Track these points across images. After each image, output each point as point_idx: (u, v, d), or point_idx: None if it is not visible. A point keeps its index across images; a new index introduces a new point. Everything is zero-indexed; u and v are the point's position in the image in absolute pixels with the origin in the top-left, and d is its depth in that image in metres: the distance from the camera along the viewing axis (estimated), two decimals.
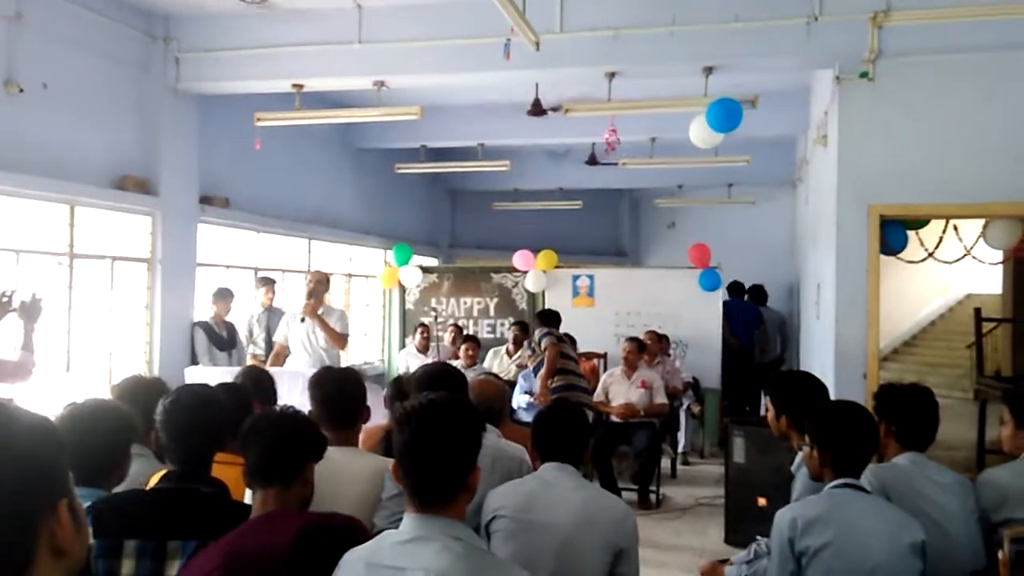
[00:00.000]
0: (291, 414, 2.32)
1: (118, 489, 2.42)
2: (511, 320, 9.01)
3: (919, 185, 5.24)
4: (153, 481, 2.44)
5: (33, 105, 5.44)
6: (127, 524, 2.15)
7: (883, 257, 5.44)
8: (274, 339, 6.59)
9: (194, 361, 6.66)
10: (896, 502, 2.65)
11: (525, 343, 8.26)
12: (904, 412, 2.91)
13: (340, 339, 6.21)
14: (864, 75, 5.25)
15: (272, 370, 5.51)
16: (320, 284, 6.25)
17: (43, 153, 5.54)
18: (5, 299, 4.12)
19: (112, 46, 6.13)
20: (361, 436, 3.10)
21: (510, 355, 8.17)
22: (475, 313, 9.68)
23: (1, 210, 5.41)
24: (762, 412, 8.60)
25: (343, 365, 6.38)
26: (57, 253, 5.83)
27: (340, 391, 2.87)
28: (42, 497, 1.00)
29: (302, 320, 6.11)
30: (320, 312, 6.11)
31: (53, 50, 5.64)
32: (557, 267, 9.30)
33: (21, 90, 5.30)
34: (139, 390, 2.96)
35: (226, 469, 2.47)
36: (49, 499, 1.00)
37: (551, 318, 6.89)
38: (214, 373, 5.67)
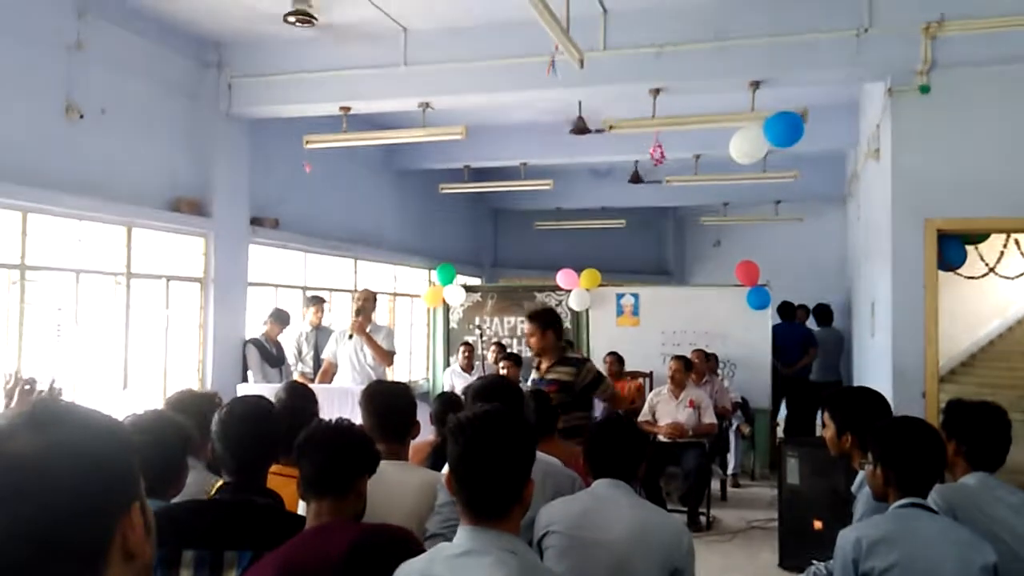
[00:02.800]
0: (346, 427, 2.32)
1: (175, 500, 2.44)
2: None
3: (978, 198, 5.11)
4: (212, 492, 2.47)
5: (92, 130, 5.60)
6: (185, 534, 2.16)
7: (940, 273, 5.30)
8: (322, 356, 6.65)
9: (245, 377, 6.76)
10: (964, 523, 2.54)
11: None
12: (975, 430, 2.79)
13: (387, 356, 6.25)
14: (924, 89, 5.14)
15: (321, 387, 5.58)
16: (368, 302, 6.31)
17: (101, 176, 5.70)
18: (27, 387, 4.17)
19: (167, 73, 6.31)
20: (409, 452, 3.09)
21: None
22: (519, 332, 9.65)
23: (62, 231, 5.56)
24: (818, 431, 8.41)
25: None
26: (115, 273, 5.97)
27: (391, 405, 2.89)
28: (117, 500, 1.00)
29: (350, 337, 6.17)
30: (368, 330, 6.16)
31: (111, 77, 5.82)
32: (601, 285, 9.25)
33: (81, 116, 5.47)
34: (192, 403, 3.00)
35: (280, 481, 2.47)
36: (124, 502, 1.01)
37: (556, 321, 4.90)
38: (265, 389, 5.73)
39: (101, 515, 0.98)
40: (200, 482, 2.63)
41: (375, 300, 6.57)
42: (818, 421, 9.33)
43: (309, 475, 2.20)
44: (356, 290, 9.30)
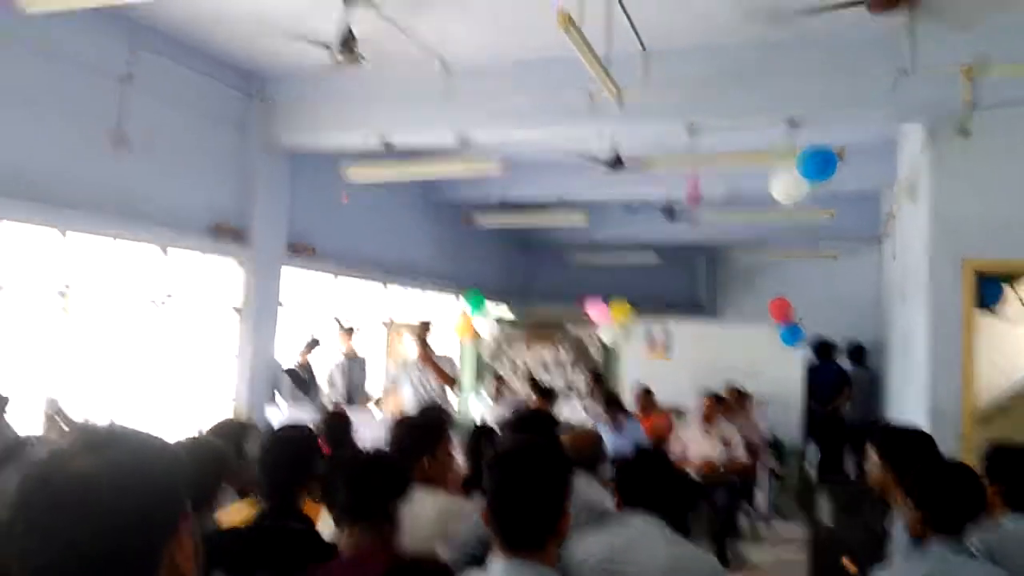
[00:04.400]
0: (379, 454, 2.35)
1: None
2: (586, 371, 8.95)
3: (1016, 239, 5.05)
4: (233, 515, 2.49)
5: (139, 158, 5.76)
6: (219, 557, 2.19)
7: (978, 318, 5.23)
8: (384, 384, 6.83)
9: (275, 403, 6.83)
10: (1004, 567, 2.50)
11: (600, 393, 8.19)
12: (1016, 473, 2.76)
13: (452, 381, 6.55)
14: (964, 132, 5.12)
15: (359, 416, 5.66)
16: (427, 331, 6.51)
17: (145, 202, 5.86)
18: (58, 417, 4.26)
19: (211, 103, 6.49)
20: None
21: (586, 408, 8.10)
22: (550, 363, 9.65)
23: (103, 255, 5.70)
24: (850, 471, 8.24)
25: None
26: (153, 297, 6.09)
27: (397, 437, 2.89)
28: (170, 519, 1.03)
29: (419, 369, 6.37)
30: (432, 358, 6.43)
31: (158, 108, 6.00)
32: (632, 319, 9.20)
33: (128, 145, 5.62)
34: (229, 429, 3.05)
35: (317, 508, 2.51)
36: (174, 521, 1.04)
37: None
38: (295, 417, 5.80)
39: (156, 534, 1.01)
40: (225, 506, 2.66)
41: (431, 329, 6.78)
42: (847, 460, 9.22)
43: (343, 502, 2.22)
44: (390, 320, 9.39)
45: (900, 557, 2.67)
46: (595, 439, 3.45)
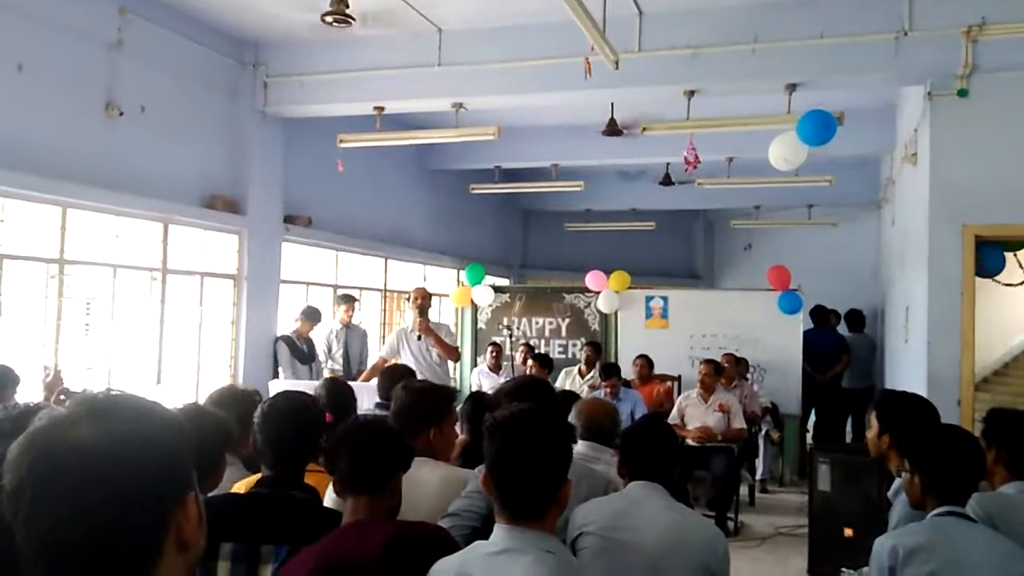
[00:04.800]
0: (380, 424, 2.34)
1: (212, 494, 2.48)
2: (583, 340, 8.96)
3: (1017, 204, 5.03)
4: (239, 487, 2.49)
5: (131, 127, 5.70)
6: (223, 527, 2.19)
7: (975, 280, 5.22)
8: (379, 354, 6.80)
9: (276, 374, 6.83)
10: (1004, 533, 2.50)
11: (597, 364, 8.21)
12: (1016, 439, 2.75)
13: (454, 351, 6.54)
14: (963, 93, 5.07)
15: (358, 385, 5.65)
16: (427, 300, 6.53)
17: (139, 173, 5.80)
18: (63, 397, 4.20)
19: (205, 71, 6.39)
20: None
21: (582, 375, 8.11)
22: (547, 333, 9.65)
23: (100, 226, 5.66)
24: (847, 437, 8.29)
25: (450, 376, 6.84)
26: (151, 269, 6.06)
27: (406, 403, 2.87)
28: (175, 489, 1.02)
29: (419, 338, 6.32)
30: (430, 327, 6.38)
31: (150, 75, 5.91)
32: (630, 288, 9.21)
33: (121, 113, 5.57)
34: (233, 399, 3.04)
35: (317, 477, 2.50)
36: (180, 491, 1.03)
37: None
38: (296, 386, 5.79)
39: (160, 503, 1.00)
40: (237, 478, 2.66)
41: (431, 297, 6.74)
42: (848, 427, 9.28)
43: (345, 473, 2.22)
44: (386, 289, 9.37)
45: (900, 523, 2.67)
46: (611, 410, 3.45)
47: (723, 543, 2.51)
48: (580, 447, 3.32)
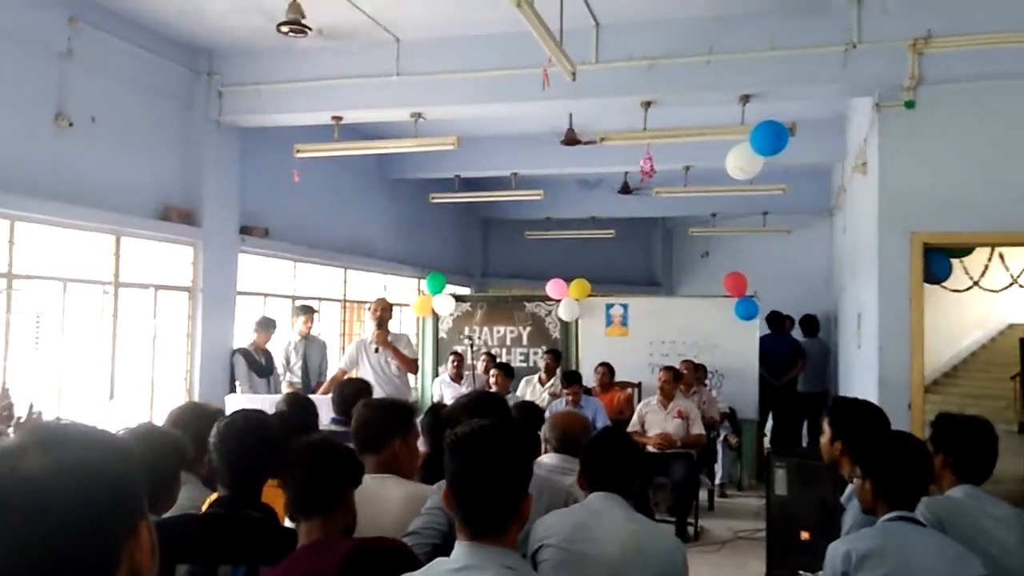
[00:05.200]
0: (324, 443, 2.34)
1: (168, 515, 2.44)
2: (544, 348, 8.99)
3: (963, 212, 5.17)
4: (206, 506, 2.46)
5: (82, 138, 5.58)
6: (179, 548, 2.16)
7: (927, 284, 5.36)
8: (339, 365, 6.74)
9: (232, 388, 6.73)
10: (952, 536, 2.57)
11: (557, 371, 8.25)
12: (963, 444, 2.83)
13: (413, 364, 6.47)
14: (910, 105, 5.21)
15: (319, 398, 5.60)
16: (387, 311, 6.46)
17: (90, 184, 5.68)
18: (6, 413, 4.12)
19: (157, 80, 6.30)
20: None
21: (542, 383, 8.14)
22: (508, 342, 9.66)
23: (50, 239, 5.53)
24: (804, 441, 8.44)
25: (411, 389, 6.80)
26: (103, 282, 5.94)
27: (367, 419, 2.85)
28: (126, 519, 1.01)
29: (376, 350, 6.26)
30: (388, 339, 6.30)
31: (101, 85, 5.80)
32: (590, 296, 9.28)
33: (71, 124, 5.45)
34: (190, 417, 2.99)
35: (276, 495, 2.47)
36: (132, 521, 1.02)
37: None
38: (254, 400, 5.73)
39: (110, 534, 0.99)
40: (194, 497, 2.62)
41: (391, 309, 6.67)
42: (804, 431, 9.44)
43: (295, 495, 2.21)
44: (346, 299, 9.30)
45: (853, 528, 2.73)
46: (585, 424, 3.48)
47: (682, 553, 2.54)
48: (553, 459, 3.34)
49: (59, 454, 0.98)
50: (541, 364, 8.45)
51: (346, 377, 5.86)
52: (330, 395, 6.38)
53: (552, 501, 2.76)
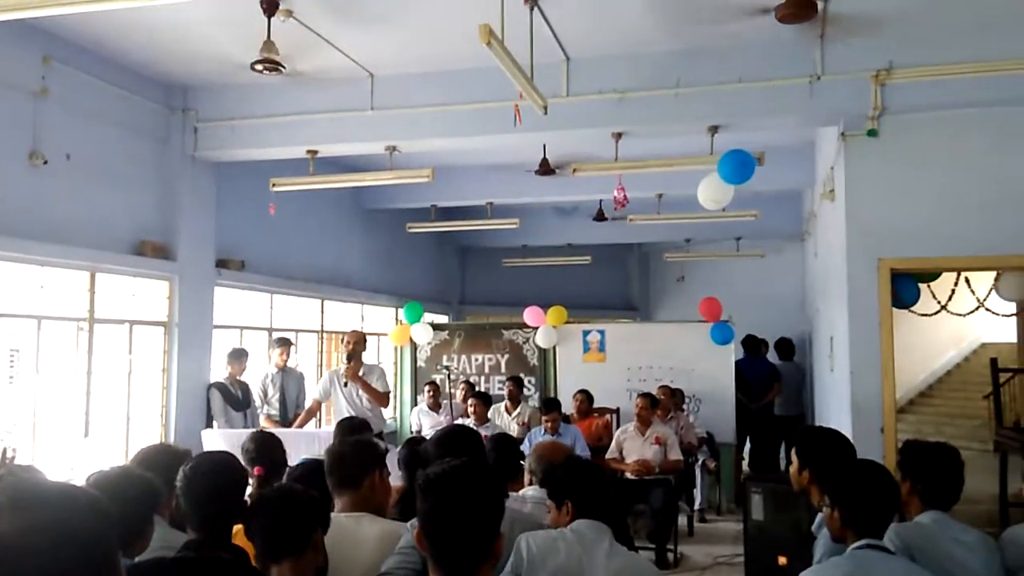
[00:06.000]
0: (286, 489, 2.36)
1: (140, 558, 2.43)
2: (521, 376, 9.01)
3: (929, 239, 5.29)
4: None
5: (56, 175, 5.58)
6: None
7: (896, 308, 5.46)
8: (313, 396, 6.71)
9: (209, 423, 6.68)
10: (920, 563, 2.62)
11: (522, 400, 8.28)
12: (929, 470, 2.87)
13: (383, 398, 6.45)
14: (872, 133, 5.35)
15: (289, 432, 5.57)
16: (359, 344, 6.43)
17: (65, 221, 5.66)
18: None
19: (132, 117, 6.31)
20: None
21: (509, 412, 8.14)
22: (487, 369, 9.68)
23: (24, 277, 5.50)
24: (783, 465, 8.48)
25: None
26: (77, 319, 5.90)
27: (339, 457, 2.85)
28: (96, 574, 1.04)
29: (345, 384, 6.23)
30: (361, 373, 6.24)
31: (76, 122, 5.81)
32: (567, 322, 9.33)
33: (45, 161, 5.45)
34: (158, 458, 2.98)
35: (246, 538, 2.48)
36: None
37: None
38: (230, 435, 5.69)
39: None
40: (164, 538, 2.61)
41: (365, 341, 6.65)
42: (782, 455, 9.50)
43: (262, 544, 2.22)
44: (323, 330, 9.29)
45: (824, 556, 2.77)
46: (568, 453, 3.49)
47: None
48: (538, 492, 3.34)
49: (31, 515, 1.00)
50: (504, 392, 8.43)
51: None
52: (307, 427, 6.41)
53: (524, 531, 2.77)
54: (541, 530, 2.62)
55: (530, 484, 3.50)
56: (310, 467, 3.15)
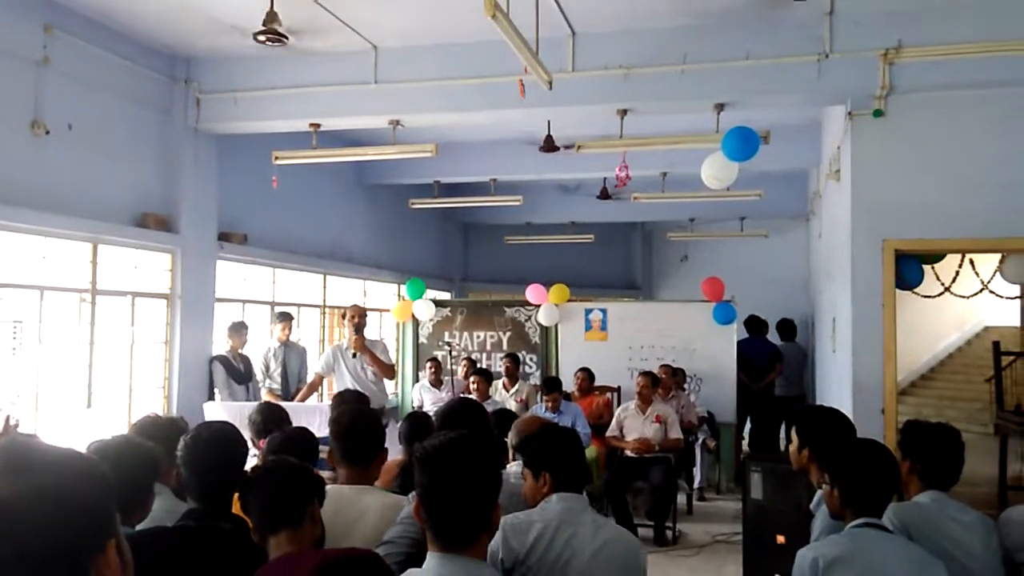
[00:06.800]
0: (280, 462, 2.37)
1: (141, 526, 2.44)
2: (523, 353, 9.00)
3: (934, 220, 5.26)
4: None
5: (58, 146, 5.55)
6: (151, 561, 2.16)
7: (899, 290, 5.44)
8: (315, 370, 6.76)
9: (211, 395, 6.70)
10: (918, 541, 2.63)
11: (520, 377, 8.30)
12: (930, 451, 2.88)
13: (390, 370, 6.57)
14: (878, 113, 5.29)
15: (291, 405, 5.59)
16: (364, 318, 6.49)
17: (67, 192, 5.65)
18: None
19: (135, 88, 6.27)
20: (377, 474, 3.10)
21: (507, 389, 8.16)
22: (488, 347, 9.69)
23: (26, 248, 5.50)
24: (783, 445, 8.52)
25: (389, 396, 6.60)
26: (80, 290, 5.90)
27: (355, 429, 2.87)
28: (92, 541, 1.03)
29: (354, 355, 6.30)
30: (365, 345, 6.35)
31: (78, 92, 5.77)
32: (569, 301, 9.32)
33: (47, 131, 5.42)
34: (158, 428, 2.99)
35: None
36: (99, 542, 1.04)
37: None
38: (232, 408, 5.71)
39: (76, 556, 1.01)
40: (167, 508, 2.62)
41: (367, 315, 6.72)
42: (782, 435, 9.53)
43: (259, 515, 2.23)
44: (325, 305, 9.29)
45: (822, 534, 2.78)
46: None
47: (644, 556, 2.57)
48: (520, 468, 3.35)
49: (27, 479, 1.00)
50: (501, 369, 8.44)
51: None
52: (309, 402, 6.43)
53: (520, 508, 2.78)
54: (522, 514, 2.59)
55: (513, 459, 3.50)
56: (290, 436, 3.17)
